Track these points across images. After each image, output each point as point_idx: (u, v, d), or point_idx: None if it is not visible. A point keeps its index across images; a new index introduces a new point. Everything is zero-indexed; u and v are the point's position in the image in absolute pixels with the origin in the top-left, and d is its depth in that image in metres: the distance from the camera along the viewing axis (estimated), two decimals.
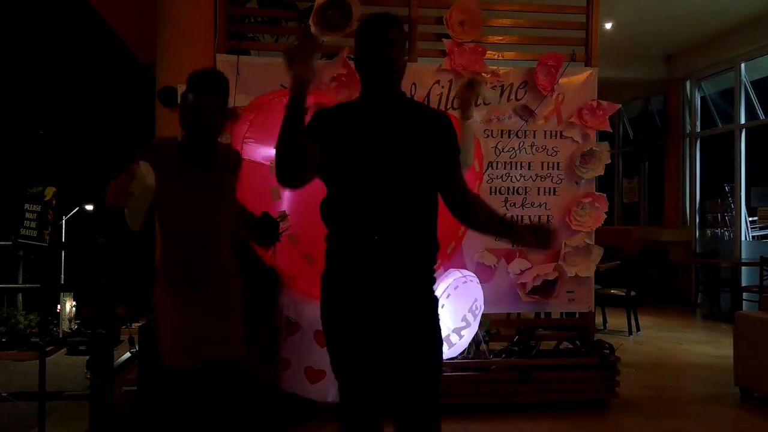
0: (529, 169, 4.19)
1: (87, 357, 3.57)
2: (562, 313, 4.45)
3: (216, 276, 2.34)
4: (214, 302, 2.32)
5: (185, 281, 2.30)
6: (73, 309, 6.31)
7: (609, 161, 4.20)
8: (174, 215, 2.32)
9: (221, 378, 2.33)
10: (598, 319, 6.57)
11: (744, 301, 7.62)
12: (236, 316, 2.41)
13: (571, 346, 4.30)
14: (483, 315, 3.93)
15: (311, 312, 3.21)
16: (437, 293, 3.77)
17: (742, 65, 8.08)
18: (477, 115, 4.12)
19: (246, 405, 2.43)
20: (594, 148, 4.15)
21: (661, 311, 8.23)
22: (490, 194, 4.13)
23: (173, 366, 2.31)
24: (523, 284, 4.11)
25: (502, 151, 4.16)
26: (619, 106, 4.35)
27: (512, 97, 4.15)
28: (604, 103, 4.18)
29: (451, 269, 3.91)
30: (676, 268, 8.87)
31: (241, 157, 2.52)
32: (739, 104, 8.15)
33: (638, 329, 6.81)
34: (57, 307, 6.22)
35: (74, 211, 7.28)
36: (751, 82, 8.08)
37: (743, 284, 7.79)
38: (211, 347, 2.29)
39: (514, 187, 4.18)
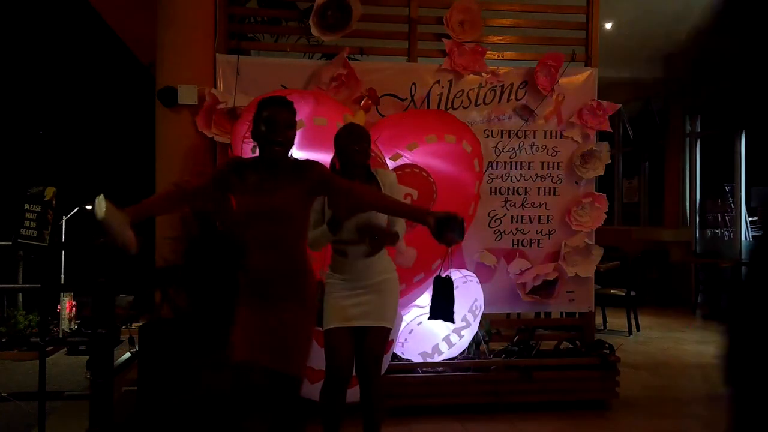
0: (529, 169, 4.20)
1: (87, 357, 3.57)
2: (562, 313, 4.45)
3: (283, 289, 2.42)
4: (280, 315, 2.40)
5: (253, 291, 2.43)
6: (74, 309, 6.32)
7: (609, 161, 4.20)
8: (245, 227, 2.44)
9: (272, 386, 2.40)
10: (598, 319, 6.57)
11: None
12: (299, 332, 2.46)
13: (571, 346, 4.30)
14: (483, 315, 3.94)
15: None
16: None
17: None
18: (476, 115, 4.13)
19: (291, 417, 2.52)
20: (594, 148, 4.15)
21: (661, 311, 8.23)
22: (490, 194, 4.14)
23: (237, 359, 2.38)
24: (523, 284, 4.11)
25: (502, 151, 4.16)
26: (619, 106, 4.35)
27: (512, 97, 4.16)
28: (604, 103, 4.18)
29: (451, 269, 3.91)
30: (676, 268, 8.87)
31: (322, 173, 2.48)
32: None
33: (638, 329, 6.81)
34: (57, 307, 6.23)
35: (74, 211, 7.27)
36: None
37: None
38: (269, 356, 2.37)
39: (514, 187, 4.18)
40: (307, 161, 2.53)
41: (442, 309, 3.01)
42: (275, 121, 2.37)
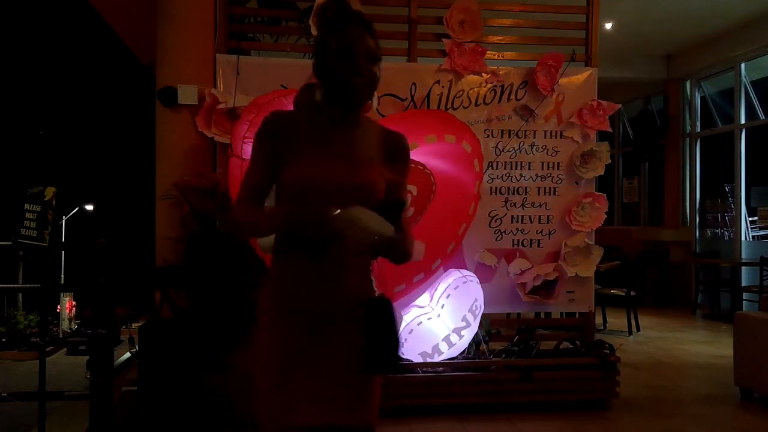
0: (529, 169, 4.19)
1: (87, 357, 3.57)
2: (562, 313, 4.45)
3: (348, 302, 1.58)
4: (342, 341, 1.57)
5: (299, 316, 1.57)
6: (73, 309, 6.33)
7: (609, 161, 4.20)
8: (295, 202, 1.57)
9: None
10: (598, 319, 6.57)
11: (744, 301, 7.62)
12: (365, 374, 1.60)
13: (571, 346, 4.30)
14: (483, 315, 3.94)
15: None
16: (438, 293, 3.81)
17: (742, 65, 8.08)
18: (476, 115, 4.12)
19: None
20: (594, 148, 4.15)
21: (661, 311, 8.23)
22: (491, 194, 4.14)
23: (271, 428, 1.58)
24: (523, 284, 4.11)
25: (503, 151, 4.16)
26: (619, 106, 4.35)
27: (512, 97, 4.16)
28: (604, 103, 4.18)
29: (451, 269, 3.92)
30: (676, 268, 8.88)
31: (406, 147, 1.71)
32: (739, 104, 8.15)
33: (638, 329, 6.81)
34: (57, 307, 6.23)
35: (74, 211, 7.27)
36: (751, 82, 8.08)
37: (743, 284, 7.79)
38: (328, 406, 1.56)
39: (514, 187, 4.18)
40: (402, 136, 1.69)
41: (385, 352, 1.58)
42: (353, 47, 1.56)
